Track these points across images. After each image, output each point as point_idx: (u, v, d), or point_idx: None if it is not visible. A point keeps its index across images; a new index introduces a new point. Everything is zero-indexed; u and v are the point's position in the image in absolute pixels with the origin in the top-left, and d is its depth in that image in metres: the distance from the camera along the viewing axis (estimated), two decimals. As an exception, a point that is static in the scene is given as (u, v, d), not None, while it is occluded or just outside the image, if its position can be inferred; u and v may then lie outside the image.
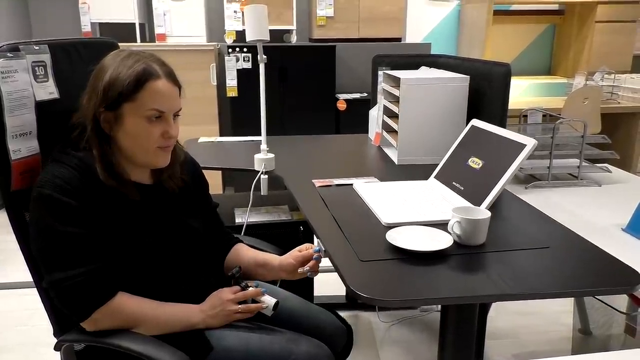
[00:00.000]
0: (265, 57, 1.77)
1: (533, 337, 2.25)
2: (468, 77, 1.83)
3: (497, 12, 4.33)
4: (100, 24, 3.91)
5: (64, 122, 1.15)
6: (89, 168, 1.09)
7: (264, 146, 1.82)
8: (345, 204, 1.47)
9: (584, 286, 1.04)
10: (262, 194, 1.80)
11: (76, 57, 1.31)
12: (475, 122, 1.60)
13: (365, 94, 3.97)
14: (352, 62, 4.15)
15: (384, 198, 1.48)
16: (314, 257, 1.27)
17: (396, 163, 1.89)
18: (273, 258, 1.36)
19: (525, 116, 2.08)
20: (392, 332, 2.28)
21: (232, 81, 3.61)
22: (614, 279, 1.06)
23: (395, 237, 1.19)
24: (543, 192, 1.75)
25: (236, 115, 3.73)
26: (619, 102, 3.86)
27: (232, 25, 4.01)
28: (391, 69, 2.32)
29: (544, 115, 2.12)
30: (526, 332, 2.29)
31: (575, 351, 2.14)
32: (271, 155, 1.82)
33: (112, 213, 1.10)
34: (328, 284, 2.59)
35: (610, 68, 4.03)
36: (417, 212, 1.36)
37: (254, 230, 1.85)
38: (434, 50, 4.50)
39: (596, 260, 1.14)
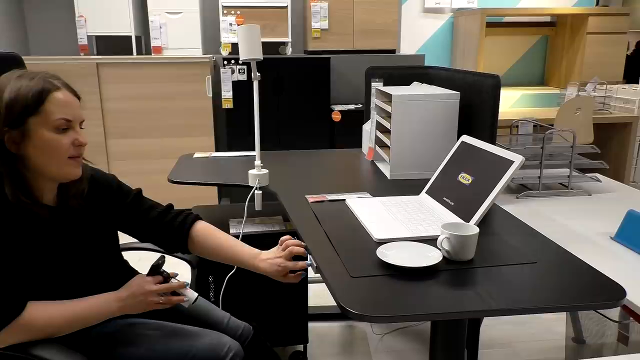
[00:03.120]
0: (259, 74, 1.80)
1: (526, 346, 2.28)
2: (458, 93, 1.86)
3: (490, 24, 4.39)
4: (96, 37, 3.95)
5: None
6: None
7: (257, 162, 1.85)
8: (337, 220, 1.49)
9: (570, 301, 1.06)
10: (256, 209, 1.82)
11: None
12: (465, 138, 1.63)
13: (360, 105, 4.01)
14: (347, 73, 4.19)
15: (375, 213, 1.50)
16: (306, 265, 1.30)
17: (388, 178, 1.92)
18: (246, 251, 1.35)
19: (517, 127, 2.11)
20: (385, 342, 2.30)
21: (227, 93, 3.65)
22: (600, 294, 1.08)
23: (386, 253, 1.21)
24: (534, 201, 1.78)
25: (232, 126, 3.76)
26: (611, 113, 3.91)
27: (227, 37, 4.06)
28: (384, 81, 2.36)
29: (534, 126, 2.16)
30: (519, 341, 2.31)
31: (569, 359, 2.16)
32: (265, 171, 1.84)
33: (19, 230, 1.11)
34: (322, 296, 2.62)
35: (602, 79, 4.08)
36: (408, 228, 1.39)
37: (249, 241, 1.87)
38: (428, 62, 4.55)
39: (582, 275, 1.16)
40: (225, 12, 4.02)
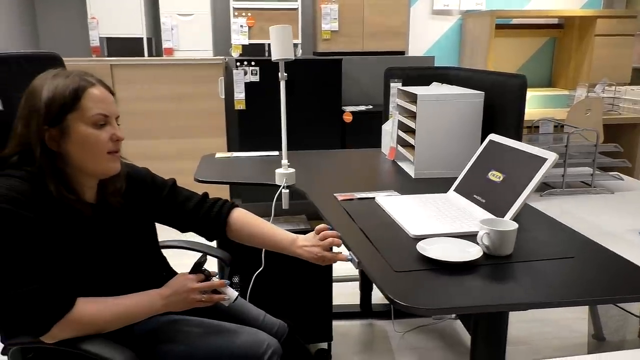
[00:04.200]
0: (286, 74, 1.81)
1: (547, 344, 2.29)
2: (483, 92, 1.88)
3: (498, 26, 4.42)
4: (107, 38, 3.97)
5: (5, 134, 1.17)
6: (39, 181, 1.10)
7: (284, 161, 1.86)
8: (370, 217, 1.51)
9: (612, 294, 1.08)
10: (283, 207, 1.84)
11: (17, 70, 1.35)
12: (493, 136, 1.65)
13: (371, 106, 4.03)
14: (357, 75, 4.21)
15: (407, 211, 1.52)
16: (346, 258, 1.31)
17: (413, 177, 1.94)
18: (284, 236, 1.38)
19: (537, 127, 2.14)
20: (407, 339, 2.32)
21: (240, 94, 3.67)
22: (638, 287, 1.10)
23: (426, 248, 1.23)
24: (557, 199, 1.81)
25: (244, 128, 3.78)
26: (620, 114, 3.94)
27: (238, 39, 4.08)
28: (402, 82, 2.38)
29: (554, 126, 2.19)
30: (540, 338, 2.33)
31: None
32: (292, 170, 1.86)
33: (64, 227, 1.12)
34: (343, 294, 2.63)
35: (609, 80, 4.12)
36: (443, 224, 1.41)
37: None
38: (436, 63, 4.58)
39: (621, 269, 1.18)
40: (236, 13, 4.05)
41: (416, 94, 1.88)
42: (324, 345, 2.15)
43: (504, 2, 4.61)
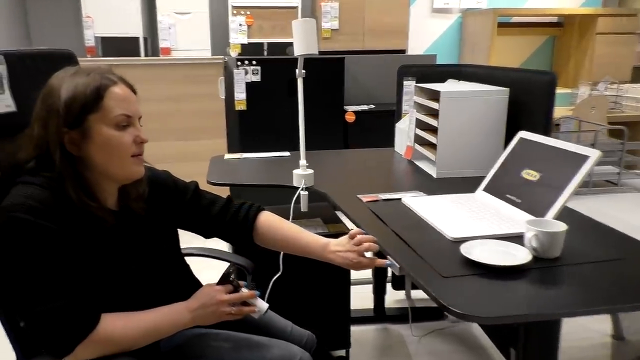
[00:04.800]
0: (304, 71, 1.74)
1: (567, 344, 2.24)
2: (507, 89, 1.83)
3: (499, 24, 4.39)
4: (103, 38, 3.86)
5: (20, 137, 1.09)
6: (59, 188, 1.02)
7: (303, 161, 1.79)
8: (401, 219, 1.44)
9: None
10: (302, 210, 1.76)
11: (33, 69, 1.26)
12: (524, 134, 1.59)
13: (373, 106, 3.97)
14: (358, 74, 4.15)
15: (439, 212, 1.45)
16: (385, 264, 1.23)
17: (435, 176, 1.88)
18: (314, 241, 1.29)
19: (558, 124, 2.08)
20: (424, 344, 2.25)
21: (240, 94, 3.58)
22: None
23: (471, 252, 1.17)
24: (584, 199, 1.76)
25: (244, 129, 3.69)
26: (623, 111, 3.92)
27: (237, 38, 4.00)
28: (416, 80, 2.32)
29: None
30: (563, 339, 2.28)
31: (614, 358, 2.13)
32: (310, 171, 1.79)
33: (86, 237, 1.04)
34: (354, 298, 2.56)
35: (611, 78, 4.10)
36: (481, 226, 1.34)
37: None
38: (437, 62, 4.53)
39: (676, 272, 1.13)
40: (234, 12, 3.97)
41: (439, 91, 1.81)
42: (342, 352, 2.08)
43: (503, 0, 4.58)
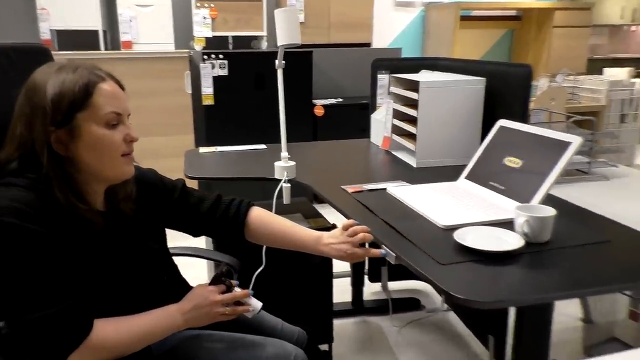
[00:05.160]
0: (284, 62, 1.71)
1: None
2: (484, 79, 1.85)
3: (460, 18, 4.46)
4: (59, 31, 3.69)
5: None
6: (45, 189, 0.96)
7: (284, 153, 1.76)
8: (389, 209, 1.44)
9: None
10: (284, 202, 1.74)
11: (7, 63, 1.20)
12: (504, 122, 1.61)
13: (341, 99, 3.97)
14: (326, 67, 4.14)
15: (426, 200, 1.46)
16: (381, 254, 1.22)
17: (415, 166, 1.89)
18: (307, 235, 1.28)
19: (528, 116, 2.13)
20: (404, 335, 2.27)
21: (207, 89, 3.51)
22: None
23: (466, 239, 1.17)
24: (558, 187, 1.79)
25: (212, 123, 3.62)
26: (580, 102, 4.06)
27: (201, 31, 3.91)
28: (390, 73, 2.32)
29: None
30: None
31: (585, 341, 2.20)
32: (292, 163, 1.76)
33: (75, 240, 0.99)
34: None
35: (568, 70, 4.24)
36: (470, 213, 1.36)
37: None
38: (402, 55, 4.57)
39: (660, 252, 1.17)
40: (198, 4, 3.87)
41: (417, 81, 1.82)
42: (325, 346, 2.07)
43: (464, -6, 4.66)
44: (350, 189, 1.62)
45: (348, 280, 2.48)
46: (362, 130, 3.52)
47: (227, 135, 3.62)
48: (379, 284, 2.65)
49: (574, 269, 1.08)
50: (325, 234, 1.26)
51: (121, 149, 1.04)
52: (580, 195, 1.69)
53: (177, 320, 1.09)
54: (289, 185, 1.74)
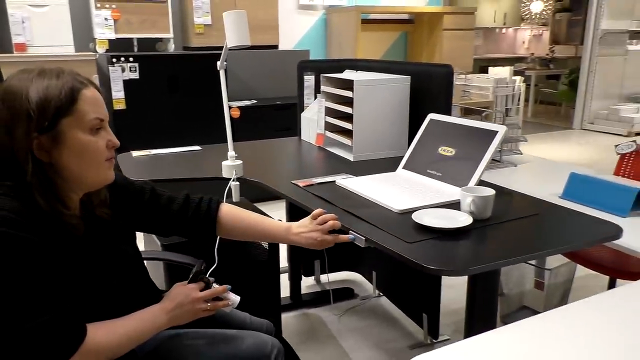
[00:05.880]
0: (225, 63, 1.75)
1: (458, 305, 2.54)
2: (409, 77, 2.03)
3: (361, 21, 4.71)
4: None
5: None
6: (27, 196, 0.96)
7: (231, 153, 1.80)
8: (344, 199, 1.54)
9: (588, 238, 1.28)
10: (234, 200, 1.78)
11: None
12: (433, 115, 1.79)
13: (255, 101, 4.01)
14: (237, 69, 4.15)
15: (375, 189, 1.58)
16: (349, 239, 1.31)
17: (352, 160, 2.01)
18: (276, 226, 1.34)
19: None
20: (344, 322, 2.39)
21: (118, 93, 3.38)
22: (600, 233, 1.31)
23: (423, 219, 1.31)
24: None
25: (125, 128, 3.49)
26: (471, 98, 4.49)
27: (103, 33, 3.75)
28: (315, 74, 2.44)
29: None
30: (452, 302, 2.58)
31: (500, 312, 2.47)
32: (240, 162, 1.80)
33: (59, 247, 0.99)
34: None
35: (458, 70, 4.66)
36: (418, 198, 1.50)
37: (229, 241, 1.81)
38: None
39: (581, 219, 1.39)
40: (98, 5, 3.71)
41: (351, 80, 1.94)
42: (273, 338, 2.12)
43: (361, -2, 4.92)
44: (301, 183, 1.70)
45: (286, 275, 2.55)
46: (286, 129, 3.61)
47: (143, 139, 3.50)
48: (312, 277, 2.75)
49: (516, 239, 1.25)
50: (294, 224, 1.34)
51: (105, 154, 1.04)
52: (499, 179, 1.92)
53: (162, 320, 1.11)
54: (237, 183, 1.78)
